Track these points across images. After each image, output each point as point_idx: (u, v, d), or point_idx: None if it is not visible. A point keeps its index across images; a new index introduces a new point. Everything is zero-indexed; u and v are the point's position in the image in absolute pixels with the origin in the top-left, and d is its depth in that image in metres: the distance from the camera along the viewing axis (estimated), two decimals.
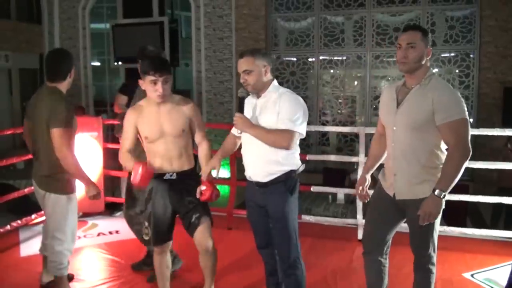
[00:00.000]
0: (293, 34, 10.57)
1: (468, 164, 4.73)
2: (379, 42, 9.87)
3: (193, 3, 10.82)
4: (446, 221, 6.86)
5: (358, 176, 3.13)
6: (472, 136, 8.22)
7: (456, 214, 6.94)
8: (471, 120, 9.15)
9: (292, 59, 10.64)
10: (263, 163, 2.99)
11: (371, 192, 3.14)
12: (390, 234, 2.99)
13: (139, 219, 3.89)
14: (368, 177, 3.14)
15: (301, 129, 2.95)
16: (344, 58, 10.34)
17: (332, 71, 10.71)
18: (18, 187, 7.25)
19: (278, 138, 2.91)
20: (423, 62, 2.73)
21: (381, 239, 3.00)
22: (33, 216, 5.03)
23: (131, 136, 3.19)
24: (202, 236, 3.17)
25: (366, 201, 3.17)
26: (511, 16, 8.30)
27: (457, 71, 9.38)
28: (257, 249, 3.24)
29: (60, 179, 3.36)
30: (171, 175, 3.15)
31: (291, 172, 3.02)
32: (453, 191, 5.31)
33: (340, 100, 10.74)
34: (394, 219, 2.94)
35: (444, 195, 2.64)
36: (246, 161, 3.11)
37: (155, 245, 3.28)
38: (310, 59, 10.56)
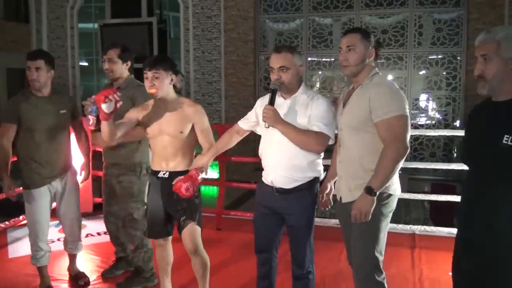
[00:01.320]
0: (282, 35, 10.60)
1: (456, 166, 4.84)
2: None
3: (182, 4, 10.80)
4: (434, 222, 6.96)
5: None
6: (460, 137, 8.29)
7: (443, 215, 7.02)
8: (458, 121, 9.24)
9: None
10: (289, 168, 2.85)
11: None
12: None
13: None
14: (330, 185, 3.06)
15: (333, 133, 2.85)
16: (333, 59, 10.38)
17: (320, 72, 10.74)
18: None
19: (311, 140, 2.77)
20: (365, 64, 2.70)
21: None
22: (21, 217, 4.99)
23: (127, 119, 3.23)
24: (186, 238, 3.20)
25: (327, 208, 3.10)
26: (498, 20, 8.40)
27: (444, 73, 9.46)
28: (255, 253, 3.14)
29: (21, 173, 3.60)
30: (164, 174, 3.19)
31: (316, 179, 2.93)
32: (440, 192, 5.40)
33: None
34: (351, 228, 2.80)
35: (375, 193, 2.54)
36: (267, 165, 2.95)
37: (148, 237, 3.40)
38: None
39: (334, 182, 3.05)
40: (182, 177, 3.04)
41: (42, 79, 3.51)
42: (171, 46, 11.25)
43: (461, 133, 5.32)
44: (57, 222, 4.53)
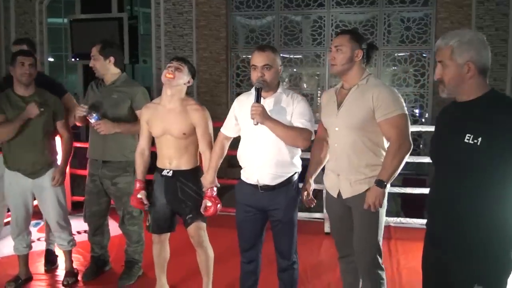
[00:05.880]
0: (254, 32, 10.65)
1: (423, 159, 5.03)
2: None
3: (153, 0, 10.72)
4: (405, 214, 7.16)
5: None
6: (427, 132, 8.51)
7: (414, 207, 7.23)
8: (426, 117, 9.47)
9: None
10: (274, 165, 2.93)
11: None
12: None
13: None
14: (312, 181, 3.15)
15: (313, 130, 2.99)
16: (303, 56, 10.49)
17: (290, 69, 10.83)
18: None
19: (299, 135, 2.86)
20: (352, 64, 2.83)
21: (350, 243, 3.02)
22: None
23: (145, 134, 3.41)
24: (193, 232, 3.35)
25: (312, 206, 3.20)
26: (466, 19, 8.65)
27: (412, 70, 9.67)
28: (240, 252, 3.22)
29: None
30: (168, 172, 3.29)
31: (296, 173, 3.05)
32: (411, 186, 5.60)
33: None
34: (350, 221, 2.98)
35: (385, 185, 2.75)
36: (251, 163, 3.01)
37: (153, 232, 3.49)
38: None
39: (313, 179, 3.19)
40: (210, 204, 3.20)
41: (33, 75, 3.60)
42: (142, 43, 11.16)
43: (430, 128, 5.56)
44: (35, 221, 4.51)
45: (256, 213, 3.08)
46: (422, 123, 9.40)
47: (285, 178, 2.98)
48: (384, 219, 2.95)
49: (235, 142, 3.21)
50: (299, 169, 3.08)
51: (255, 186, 3.00)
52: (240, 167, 3.13)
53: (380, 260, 2.93)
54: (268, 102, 2.95)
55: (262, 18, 10.62)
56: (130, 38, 10.70)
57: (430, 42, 9.31)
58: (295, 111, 2.93)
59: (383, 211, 2.91)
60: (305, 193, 3.12)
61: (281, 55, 10.11)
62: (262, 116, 2.79)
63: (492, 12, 8.60)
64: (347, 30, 3.00)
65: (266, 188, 2.97)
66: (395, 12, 9.62)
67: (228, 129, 3.18)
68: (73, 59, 10.97)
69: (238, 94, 10.47)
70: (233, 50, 10.58)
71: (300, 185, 3.13)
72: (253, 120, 2.81)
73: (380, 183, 2.75)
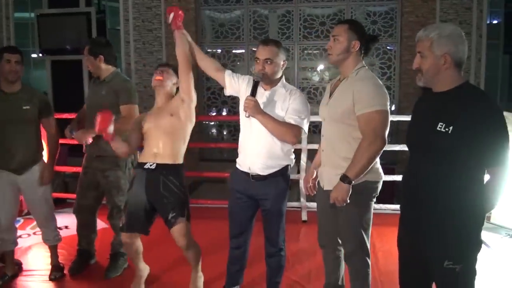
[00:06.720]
0: (224, 26, 10.71)
1: (391, 147, 5.23)
2: (306, 36, 10.19)
3: None
4: (376, 200, 7.38)
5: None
6: (394, 122, 8.74)
7: (385, 195, 7.45)
8: (393, 108, 9.72)
9: (222, 51, 10.77)
10: (266, 157, 3.03)
11: None
12: (338, 226, 3.02)
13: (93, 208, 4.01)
14: (314, 171, 3.22)
15: (307, 127, 3.05)
16: None
17: None
18: None
19: (288, 131, 2.93)
20: (348, 54, 2.81)
21: (331, 233, 3.10)
22: None
23: (134, 128, 3.44)
24: (177, 235, 3.30)
25: (313, 194, 3.25)
26: (431, 13, 8.90)
27: (378, 63, 9.90)
28: (230, 238, 3.32)
29: None
30: (151, 165, 3.29)
31: (288, 166, 3.14)
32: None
33: None
34: (330, 212, 3.00)
35: (350, 181, 2.69)
36: (245, 152, 3.11)
37: (126, 231, 3.37)
38: (240, 51, 10.74)
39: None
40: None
41: (20, 72, 3.66)
42: (110, 37, 11.08)
43: (397, 118, 5.78)
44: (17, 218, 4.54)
45: (247, 201, 3.19)
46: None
47: (276, 170, 3.08)
48: (371, 213, 2.94)
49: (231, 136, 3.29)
50: (292, 162, 3.18)
51: (247, 174, 3.12)
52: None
53: (365, 256, 2.95)
54: (266, 94, 3.05)
55: (231, 12, 10.69)
56: (98, 33, 10.59)
57: (396, 35, 9.55)
58: (290, 107, 3.01)
59: (370, 205, 2.92)
60: (307, 181, 3.25)
61: (253, 48, 10.22)
62: (254, 110, 2.89)
63: (455, 6, 8.89)
64: (346, 20, 2.99)
65: (258, 177, 3.08)
66: (362, 6, 9.82)
67: (230, 81, 3.21)
68: (40, 55, 10.83)
69: (208, 88, 10.60)
70: (202, 45, 10.62)
71: (296, 176, 3.22)
72: (245, 112, 2.93)
73: (344, 178, 2.70)
